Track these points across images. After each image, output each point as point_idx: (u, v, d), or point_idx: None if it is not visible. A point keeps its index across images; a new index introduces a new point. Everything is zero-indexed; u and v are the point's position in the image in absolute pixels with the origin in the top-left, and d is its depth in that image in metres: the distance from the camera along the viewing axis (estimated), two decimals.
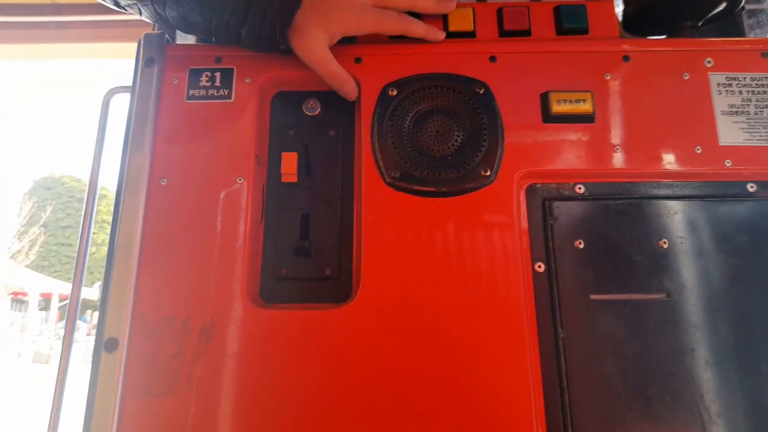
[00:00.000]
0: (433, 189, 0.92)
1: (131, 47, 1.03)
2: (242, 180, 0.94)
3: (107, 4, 1.04)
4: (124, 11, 1.03)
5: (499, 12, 1.05)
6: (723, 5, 1.05)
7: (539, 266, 0.90)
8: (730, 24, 1.32)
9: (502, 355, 0.85)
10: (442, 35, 1.02)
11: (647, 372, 0.85)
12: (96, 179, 1.04)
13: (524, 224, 0.92)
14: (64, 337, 0.96)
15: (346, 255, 0.95)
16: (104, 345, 0.86)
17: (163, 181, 0.94)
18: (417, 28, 1.00)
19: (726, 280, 0.89)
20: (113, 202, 0.95)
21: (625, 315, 0.87)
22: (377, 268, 0.89)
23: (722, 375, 0.85)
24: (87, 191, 1.03)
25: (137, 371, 0.85)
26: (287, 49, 0.96)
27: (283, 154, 0.98)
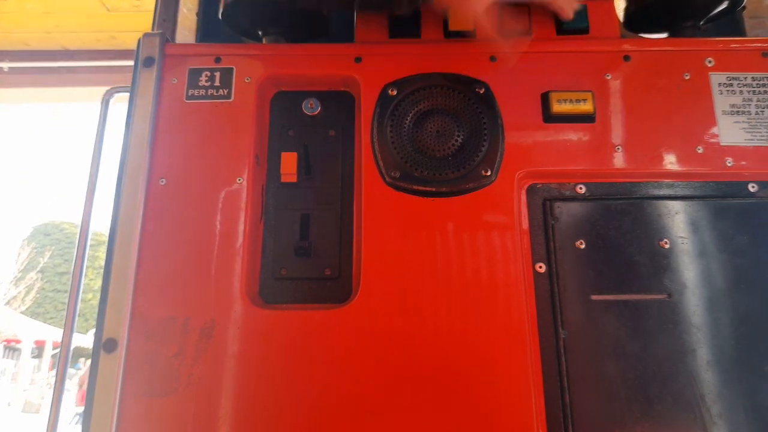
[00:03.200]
0: (434, 189, 0.92)
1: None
2: (242, 180, 0.94)
3: None
4: None
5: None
6: (724, 5, 1.05)
7: (540, 267, 0.90)
8: (731, 24, 1.32)
9: (502, 355, 0.85)
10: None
11: (648, 372, 0.84)
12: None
13: (525, 224, 0.92)
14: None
15: (346, 255, 0.94)
16: (103, 345, 0.86)
17: (162, 181, 0.94)
18: None
19: (727, 281, 0.89)
20: (113, 200, 0.94)
21: (626, 315, 0.87)
22: (377, 268, 0.89)
23: (723, 375, 0.84)
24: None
25: (137, 372, 0.85)
26: None
27: (283, 154, 0.98)
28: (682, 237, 0.90)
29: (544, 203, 0.93)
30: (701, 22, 1.08)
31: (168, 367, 0.85)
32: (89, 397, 0.84)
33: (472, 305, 0.86)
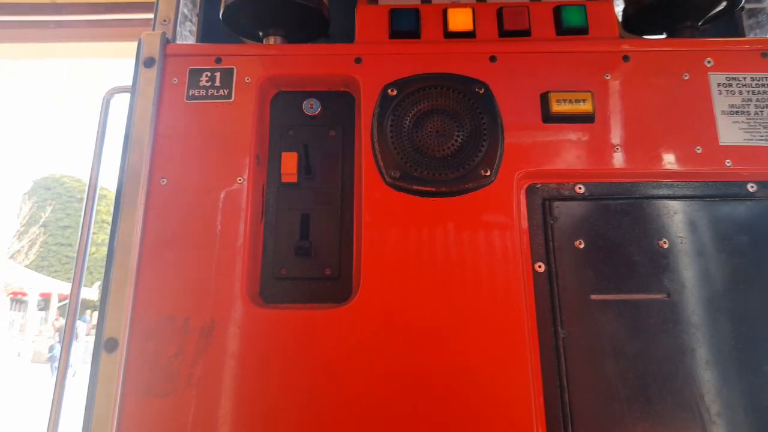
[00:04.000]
0: (433, 189, 0.92)
1: (131, 46, 1.03)
2: (242, 180, 0.94)
3: None
4: None
5: (499, 12, 1.05)
6: (722, 5, 1.05)
7: (539, 266, 0.90)
8: (730, 24, 1.32)
9: (502, 354, 0.85)
10: None
11: (647, 372, 0.85)
12: (96, 179, 1.04)
13: (524, 224, 0.92)
14: (63, 336, 0.96)
15: (346, 255, 0.95)
16: (104, 345, 0.86)
17: (162, 181, 0.94)
18: None
19: (726, 280, 0.89)
20: (113, 202, 0.94)
21: (626, 315, 0.87)
22: (377, 267, 0.89)
23: (723, 375, 0.85)
24: (87, 191, 1.03)
25: (137, 371, 0.85)
26: None
27: (283, 154, 0.98)
28: (681, 237, 0.91)
29: (543, 203, 0.93)
30: (700, 23, 1.08)
31: (168, 367, 0.85)
32: (90, 396, 0.84)
33: (472, 304, 0.87)
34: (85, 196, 1.03)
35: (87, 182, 1.04)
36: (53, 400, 0.92)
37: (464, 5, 1.06)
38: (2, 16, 2.57)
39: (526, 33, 1.04)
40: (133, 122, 0.96)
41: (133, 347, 0.86)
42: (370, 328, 0.86)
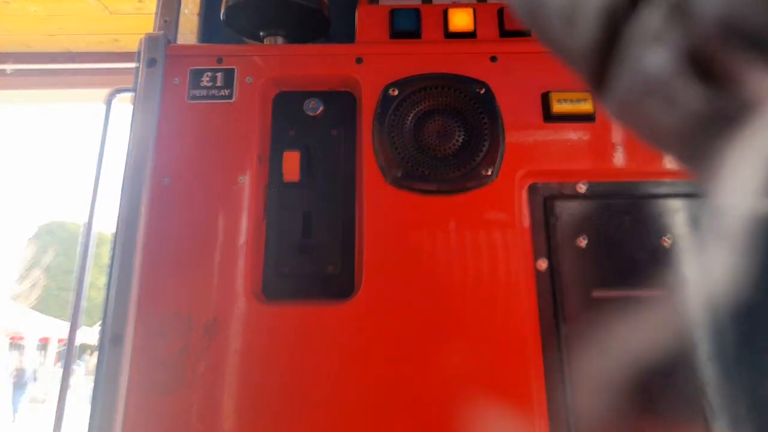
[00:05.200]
0: (435, 188, 0.93)
1: None
2: (244, 179, 0.94)
3: None
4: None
5: (500, 12, 1.06)
6: None
7: (541, 264, 0.91)
8: None
9: (504, 351, 0.85)
10: None
11: (650, 367, 0.85)
12: (97, 185, 1.04)
13: (526, 223, 0.93)
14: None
15: (348, 252, 0.95)
16: (109, 341, 0.86)
17: (165, 181, 0.94)
18: None
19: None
20: (117, 200, 0.95)
21: (628, 311, 0.88)
22: (379, 265, 0.89)
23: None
24: (86, 224, 1.02)
25: (142, 368, 0.85)
26: None
27: (285, 153, 0.98)
28: (683, 234, 0.91)
29: (544, 202, 0.94)
30: None
31: (172, 363, 0.85)
32: (95, 392, 0.84)
33: (474, 302, 0.87)
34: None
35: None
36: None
37: (465, 5, 1.07)
38: (22, 64, 2.68)
39: (526, 33, 1.04)
40: (135, 122, 0.97)
41: (139, 343, 0.86)
42: (372, 324, 0.86)
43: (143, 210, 0.92)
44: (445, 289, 0.88)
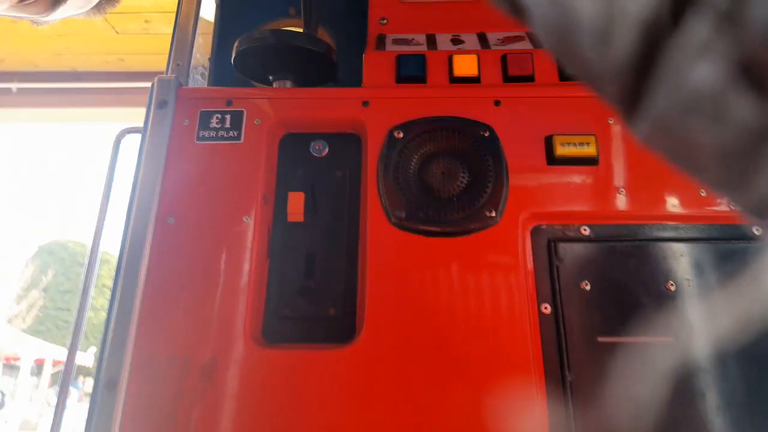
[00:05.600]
0: (438, 229, 0.93)
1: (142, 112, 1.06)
2: (248, 219, 0.95)
3: None
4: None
5: (503, 58, 1.08)
6: None
7: (545, 308, 0.89)
8: None
9: (508, 397, 0.83)
10: None
11: (657, 417, 0.82)
12: (102, 222, 1.05)
13: (530, 265, 0.92)
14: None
15: (350, 295, 0.94)
16: (104, 386, 0.85)
17: (170, 220, 0.95)
18: None
19: (735, 322, 0.88)
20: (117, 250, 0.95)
21: (633, 358, 0.86)
22: (381, 307, 0.88)
23: (734, 420, 0.82)
24: (90, 248, 1.03)
25: (136, 413, 0.83)
26: None
27: (290, 194, 0.99)
28: (688, 279, 0.90)
29: (548, 244, 0.93)
30: None
31: (167, 409, 0.83)
32: None
33: (477, 346, 0.86)
34: (88, 254, 1.03)
35: (90, 242, 1.04)
36: None
37: (469, 52, 1.09)
38: (28, 83, 2.73)
39: (529, 78, 1.06)
40: (143, 161, 0.98)
41: (133, 388, 0.84)
42: (373, 368, 0.85)
43: (146, 250, 0.92)
44: (448, 333, 0.87)
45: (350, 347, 0.86)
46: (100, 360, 0.87)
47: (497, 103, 1.02)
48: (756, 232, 0.93)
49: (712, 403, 0.83)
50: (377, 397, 0.83)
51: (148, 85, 1.06)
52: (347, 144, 1.04)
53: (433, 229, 0.92)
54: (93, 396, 0.86)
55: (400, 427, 0.82)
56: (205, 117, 1.03)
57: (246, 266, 0.92)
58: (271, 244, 0.98)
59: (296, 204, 0.98)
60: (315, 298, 0.95)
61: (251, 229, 0.94)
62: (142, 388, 0.84)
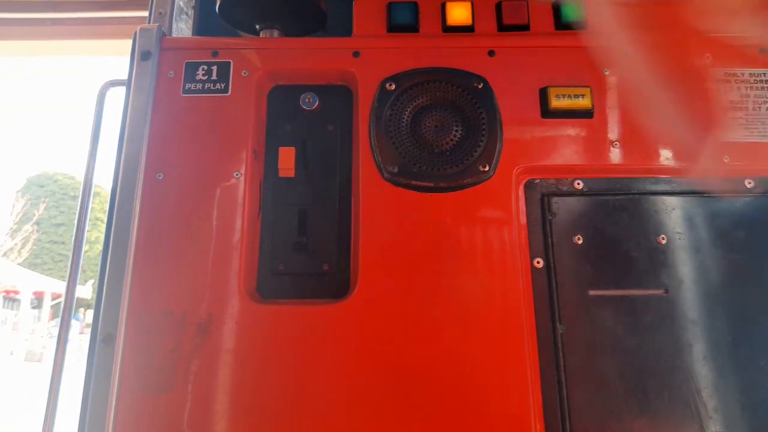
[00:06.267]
0: (432, 184, 0.92)
1: (126, 44, 1.02)
2: (239, 175, 0.93)
3: None
4: None
5: (498, 6, 1.05)
6: None
7: (538, 262, 0.90)
8: None
9: (500, 350, 0.85)
10: None
11: (645, 367, 0.85)
12: (91, 174, 1.03)
13: (523, 220, 0.92)
14: (58, 335, 0.95)
15: (344, 250, 0.94)
16: (100, 341, 0.85)
17: (159, 176, 0.93)
18: None
19: (723, 276, 0.89)
20: (108, 199, 0.94)
21: (624, 311, 0.87)
22: (375, 263, 0.89)
23: (720, 370, 0.85)
24: (82, 187, 1.02)
25: (134, 367, 0.84)
26: None
27: (281, 148, 0.97)
28: (679, 233, 0.91)
29: (542, 198, 0.93)
30: None
31: (165, 363, 0.84)
32: (86, 392, 0.84)
33: (470, 299, 0.87)
34: (81, 192, 1.02)
35: (82, 179, 1.03)
36: (49, 398, 0.91)
37: None
38: (2, 13, 2.58)
39: (525, 27, 1.03)
40: (128, 116, 0.96)
41: (130, 343, 0.85)
42: (368, 323, 0.86)
43: (136, 206, 0.91)
44: (442, 286, 0.87)
45: (345, 302, 0.87)
46: (95, 318, 0.87)
47: (491, 53, 1.00)
48: (747, 185, 0.94)
49: (698, 354, 0.85)
50: (371, 350, 0.85)
51: (132, 14, 1.02)
52: (338, 96, 1.02)
53: (426, 184, 0.92)
54: (90, 351, 0.86)
55: (394, 379, 0.84)
56: (191, 69, 1.00)
57: (238, 222, 0.91)
58: (262, 200, 0.97)
59: (287, 159, 0.97)
60: (308, 254, 0.95)
61: (242, 184, 0.93)
62: (139, 342, 0.85)
